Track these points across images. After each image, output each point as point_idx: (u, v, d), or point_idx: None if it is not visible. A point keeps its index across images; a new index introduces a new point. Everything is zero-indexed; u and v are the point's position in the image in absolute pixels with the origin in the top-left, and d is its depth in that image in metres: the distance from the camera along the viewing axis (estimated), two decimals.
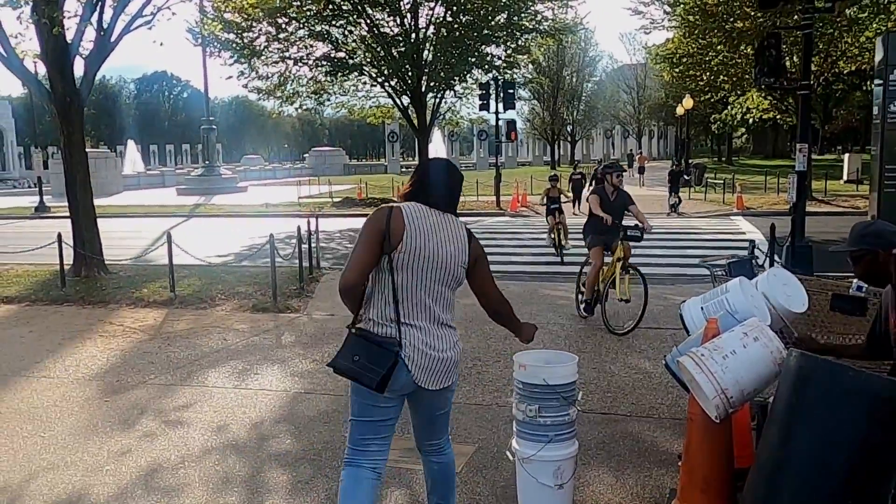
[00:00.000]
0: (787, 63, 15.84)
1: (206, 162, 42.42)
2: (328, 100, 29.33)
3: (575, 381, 4.01)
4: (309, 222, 12.64)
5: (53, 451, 5.13)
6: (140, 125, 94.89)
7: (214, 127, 40.60)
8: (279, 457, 4.93)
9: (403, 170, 62.63)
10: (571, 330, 8.32)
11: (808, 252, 9.73)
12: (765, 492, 3.05)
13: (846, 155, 36.33)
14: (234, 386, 6.52)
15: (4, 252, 13.92)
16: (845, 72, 27.15)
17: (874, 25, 23.58)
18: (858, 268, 3.63)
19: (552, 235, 14.25)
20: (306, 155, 74.48)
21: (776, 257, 9.69)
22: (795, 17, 12.85)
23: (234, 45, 25.70)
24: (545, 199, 14.84)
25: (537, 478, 3.96)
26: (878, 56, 8.87)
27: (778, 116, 33.28)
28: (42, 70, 13.86)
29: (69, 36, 11.95)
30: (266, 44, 26.16)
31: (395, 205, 3.26)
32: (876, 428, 2.88)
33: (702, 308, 4.07)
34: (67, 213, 12.84)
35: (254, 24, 24.50)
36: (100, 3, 11.98)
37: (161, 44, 15.75)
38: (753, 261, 5.97)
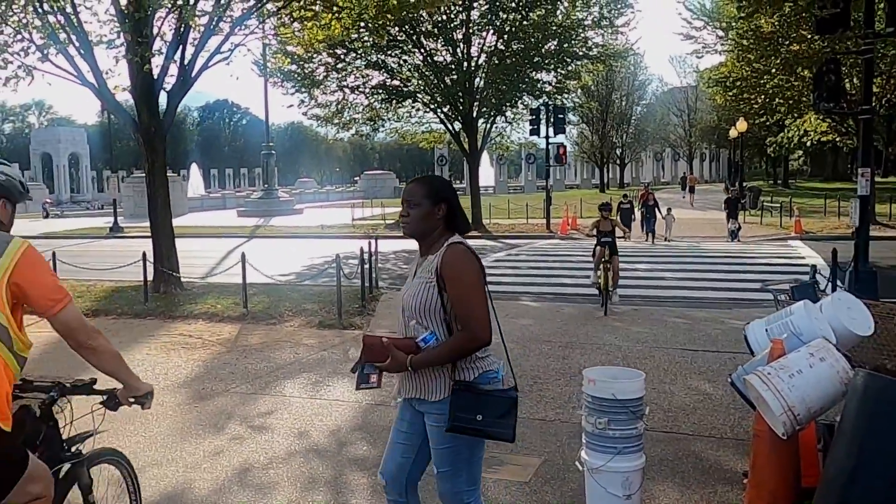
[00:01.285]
0: (847, 85, 15.73)
1: (265, 185, 43.66)
2: (382, 126, 30.12)
3: (642, 396, 4.19)
4: (370, 243, 13.00)
5: (156, 449, 5.60)
6: (202, 150, 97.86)
7: (274, 152, 41.76)
8: (358, 461, 5.24)
9: None
10: (629, 351, 8.45)
11: (872, 277, 9.67)
12: (829, 501, 3.19)
13: None
14: (309, 396, 6.90)
15: (90, 268, 14.67)
16: None
17: None
18: None
19: (598, 274, 11.39)
20: (357, 178, 75.66)
21: (839, 282, 9.66)
22: (855, 40, 12.81)
23: (295, 76, 26.75)
24: (594, 231, 11.83)
25: (606, 488, 4.14)
26: None
27: (837, 139, 32.75)
28: (125, 100, 14.77)
29: (155, 72, 12.81)
30: (325, 73, 27.11)
31: (462, 241, 3.10)
32: None
33: (766, 330, 4.22)
34: (140, 233, 13.64)
35: (313, 55, 25.38)
36: (182, 43, 12.77)
37: (237, 78, 16.79)
38: (815, 285, 6.06)
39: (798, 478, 3.88)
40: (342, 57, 26.45)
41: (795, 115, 30.69)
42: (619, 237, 11.83)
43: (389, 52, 26.73)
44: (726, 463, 5.11)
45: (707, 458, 5.23)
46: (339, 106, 28.79)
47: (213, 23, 12.58)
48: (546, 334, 9.39)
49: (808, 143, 36.62)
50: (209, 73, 27.33)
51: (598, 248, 11.42)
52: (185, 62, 12.91)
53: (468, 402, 2.96)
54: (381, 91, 27.89)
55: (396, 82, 27.59)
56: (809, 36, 23.44)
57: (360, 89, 28.25)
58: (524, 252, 20.94)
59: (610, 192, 47.30)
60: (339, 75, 27.42)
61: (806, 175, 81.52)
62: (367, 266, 12.00)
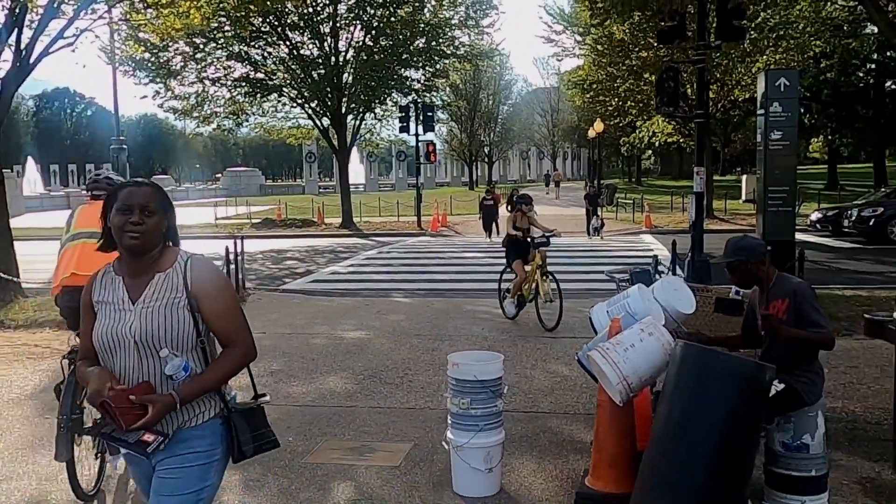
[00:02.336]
0: (689, 91, 17.05)
1: None
2: (246, 120, 29.42)
3: (501, 376, 4.60)
4: (235, 243, 12.80)
5: (4, 463, 5.34)
6: (39, 143, 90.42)
7: (125, 147, 39.52)
8: None
9: (322, 190, 62.67)
10: (494, 340, 8.91)
11: (706, 266, 10.64)
12: (657, 456, 3.69)
13: (744, 176, 38.64)
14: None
15: None
16: (740, 99, 29.04)
17: (764, 58, 25.46)
18: (734, 276, 4.41)
19: (526, 290, 9.66)
20: (220, 175, 73.56)
21: (679, 271, 10.57)
22: (690, 51, 13.95)
23: (149, 65, 25.40)
24: (514, 229, 9.79)
25: (470, 463, 4.52)
26: (761, 89, 9.90)
27: (681, 140, 35.23)
28: None
29: None
30: (183, 63, 26.02)
31: (196, 253, 2.72)
32: (742, 400, 3.57)
33: (607, 311, 4.72)
34: None
35: (170, 43, 24.10)
36: (18, 25, 11.87)
37: (84, 66, 15.80)
38: (655, 272, 6.71)
39: (634, 442, 4.38)
40: (201, 47, 25.41)
41: (645, 117, 32.76)
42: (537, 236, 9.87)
43: (253, 44, 26.06)
44: (578, 435, 5.62)
45: (562, 433, 5.72)
46: (199, 98, 27.64)
47: (54, 4, 11.75)
48: (416, 328, 9.73)
49: (657, 144, 39.20)
50: (49, 59, 25.41)
51: (517, 260, 9.72)
52: (22, 47, 11.95)
53: (251, 421, 2.76)
54: (244, 84, 27.14)
55: (261, 75, 26.98)
56: (655, 44, 25.14)
57: (222, 81, 27.33)
58: (395, 250, 21.26)
59: (479, 190, 48.45)
60: (199, 66, 26.37)
61: (657, 173, 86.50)
62: (232, 266, 11.91)
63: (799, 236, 21.42)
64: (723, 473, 3.56)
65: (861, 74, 38.43)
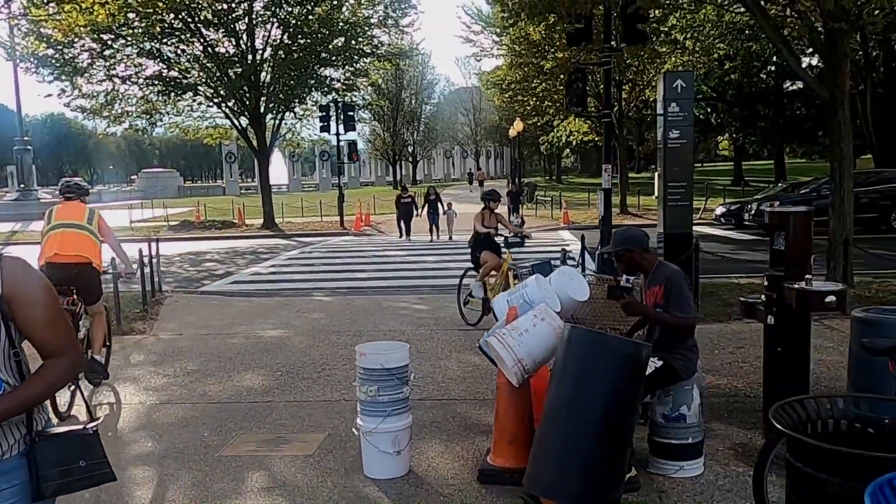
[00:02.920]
0: (601, 91, 17.75)
1: (22, 185, 39.04)
2: (161, 120, 28.74)
3: (407, 364, 4.87)
4: (150, 245, 12.66)
5: None
6: None
7: (30, 147, 37.89)
8: (144, 456, 5.40)
9: (243, 191, 61.78)
10: (412, 335, 9.16)
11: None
12: (549, 429, 4.03)
13: (656, 173, 40.02)
14: (92, 402, 6.81)
15: None
16: (651, 99, 30.13)
17: (672, 59, 26.51)
18: (622, 264, 4.82)
19: (491, 283, 9.56)
20: (135, 176, 71.62)
21: (590, 263, 11.07)
22: (597, 54, 14.51)
23: (53, 62, 24.30)
24: (483, 227, 9.78)
25: (378, 447, 4.78)
26: (660, 91, 10.45)
27: (597, 139, 36.22)
28: None
29: None
30: (90, 60, 25.01)
31: (10, 253, 2.32)
32: (623, 376, 3.94)
33: (507, 300, 5.05)
34: None
35: (75, 40, 22.97)
36: None
37: None
38: (563, 264, 7.10)
39: (531, 420, 4.71)
40: (109, 43, 24.46)
41: (562, 116, 33.60)
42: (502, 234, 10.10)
43: (165, 41, 25.33)
44: (485, 419, 5.93)
45: (470, 417, 6.03)
46: (109, 97, 26.68)
47: None
48: (336, 325, 9.91)
49: (574, 143, 40.21)
50: None
51: (489, 253, 9.68)
52: None
53: (61, 451, 2.30)
54: (156, 82, 26.40)
55: (174, 73, 26.31)
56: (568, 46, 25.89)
57: (133, 79, 26.44)
58: (318, 250, 21.32)
59: (413, 189, 48.67)
60: (107, 63, 25.39)
61: (576, 171, 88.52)
62: (147, 269, 11.80)
63: (705, 230, 22.62)
64: (607, 442, 3.92)
65: (763, 76, 40.30)
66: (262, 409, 6.36)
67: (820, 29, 12.43)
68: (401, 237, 23.12)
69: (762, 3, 14.38)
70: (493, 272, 9.66)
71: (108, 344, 7.48)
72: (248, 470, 5.00)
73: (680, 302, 4.58)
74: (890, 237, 18.97)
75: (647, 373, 4.17)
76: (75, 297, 6.46)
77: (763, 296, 5.38)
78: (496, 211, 10.03)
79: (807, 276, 4.96)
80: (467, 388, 6.83)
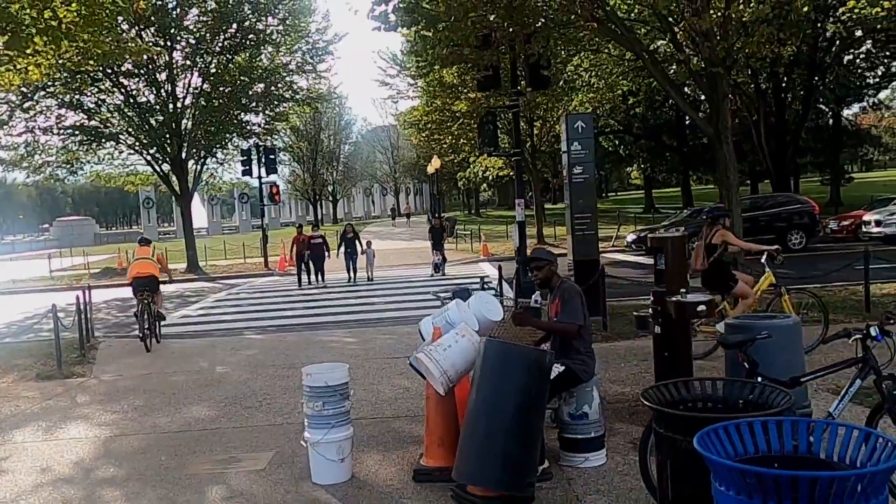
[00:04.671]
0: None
1: None
2: (81, 168, 28.68)
3: (347, 381, 5.57)
4: (84, 293, 12.92)
5: None
6: None
7: None
8: (109, 479, 5.92)
9: (161, 236, 60.90)
10: (347, 363, 9.77)
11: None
12: (471, 428, 4.80)
13: None
14: (43, 439, 7.22)
15: None
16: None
17: (579, 96, 28.16)
18: (540, 273, 5.69)
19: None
20: (47, 225, 69.62)
21: (508, 290, 11.98)
22: (505, 98, 15.58)
23: None
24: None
25: (325, 455, 5.44)
26: (563, 131, 11.53)
27: (512, 173, 37.70)
28: None
29: None
30: (9, 112, 25.01)
31: None
32: (531, 380, 4.75)
33: (432, 322, 5.82)
34: None
35: None
36: None
37: None
38: (469, 290, 7.93)
39: (457, 424, 5.46)
40: (29, 95, 24.54)
41: (477, 154, 34.94)
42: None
43: (86, 92, 25.54)
44: (416, 432, 6.63)
45: (403, 430, 6.75)
46: (30, 148, 26.66)
47: None
48: (271, 360, 10.46)
49: (490, 178, 41.67)
50: None
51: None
52: None
53: None
54: (77, 132, 26.51)
55: (95, 123, 26.50)
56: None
57: (54, 130, 26.47)
58: (244, 291, 21.64)
59: (324, 228, 49.02)
60: (28, 115, 25.45)
61: (495, 204, 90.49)
62: (83, 315, 12.10)
63: (617, 256, 24.01)
64: (520, 437, 4.72)
65: (665, 109, 42.69)
66: (212, 435, 6.91)
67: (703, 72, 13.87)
68: (300, 286, 20.65)
69: (650, 49, 15.85)
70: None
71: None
72: (208, 485, 5.58)
73: (567, 309, 5.45)
74: (787, 256, 20.56)
75: (551, 377, 5.01)
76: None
77: (651, 309, 6.31)
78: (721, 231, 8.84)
79: (682, 290, 5.91)
80: (399, 408, 7.54)
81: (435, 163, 36.43)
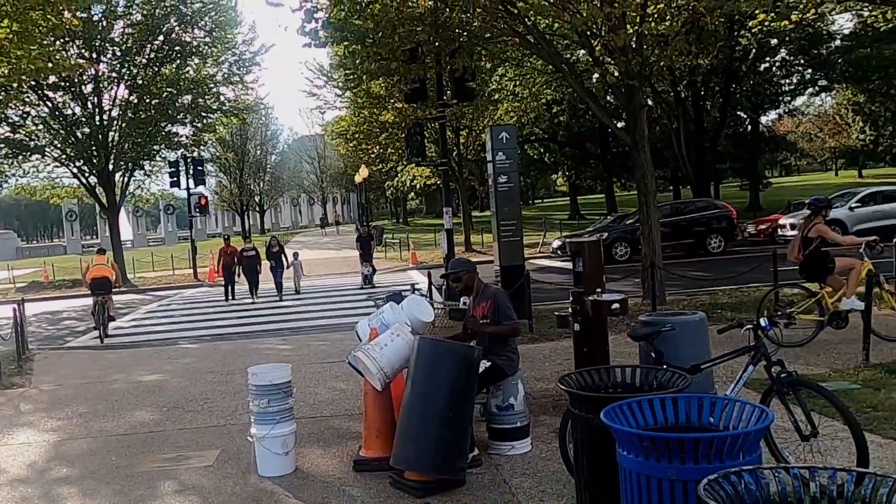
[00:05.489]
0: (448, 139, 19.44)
1: None
2: (6, 182, 28.03)
3: (290, 380, 5.99)
4: (19, 306, 12.82)
5: None
6: None
7: None
8: (63, 479, 6.20)
9: (85, 249, 59.29)
10: None
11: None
12: (406, 418, 5.29)
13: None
14: None
15: None
16: None
17: (504, 106, 29.01)
18: (460, 283, 6.18)
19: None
20: None
21: (437, 295, 12.47)
22: (432, 109, 16.12)
23: None
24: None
25: (270, 449, 5.85)
26: (488, 142, 12.12)
27: (440, 182, 38.41)
28: None
29: None
30: None
31: None
32: (461, 373, 5.28)
33: (368, 324, 6.28)
34: None
35: None
36: None
37: None
38: (402, 293, 8.42)
39: (393, 417, 5.94)
40: None
41: (405, 162, 35.44)
42: None
43: (10, 105, 25.07)
44: (355, 428, 7.07)
45: (342, 428, 7.18)
46: None
47: None
48: (209, 367, 10.73)
49: (418, 186, 42.26)
50: None
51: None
52: None
53: None
54: (2, 145, 25.87)
55: (20, 136, 26.01)
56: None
57: None
58: (175, 302, 21.60)
59: (256, 239, 48.68)
60: None
61: (423, 213, 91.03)
62: (20, 328, 12.11)
63: (544, 262, 24.80)
64: (452, 425, 5.24)
65: (588, 117, 44.05)
66: (158, 437, 7.21)
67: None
68: (227, 300, 19.82)
69: (570, 61, 16.65)
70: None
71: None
72: (160, 480, 5.92)
73: (506, 313, 5.99)
74: (707, 259, 21.68)
75: (479, 371, 5.54)
76: None
77: (570, 308, 6.91)
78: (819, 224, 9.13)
79: (597, 290, 6.53)
80: (337, 407, 7.97)
81: (363, 172, 36.78)
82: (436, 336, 6.27)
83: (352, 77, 23.64)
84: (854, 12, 26.40)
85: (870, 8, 17.57)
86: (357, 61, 19.82)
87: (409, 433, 5.31)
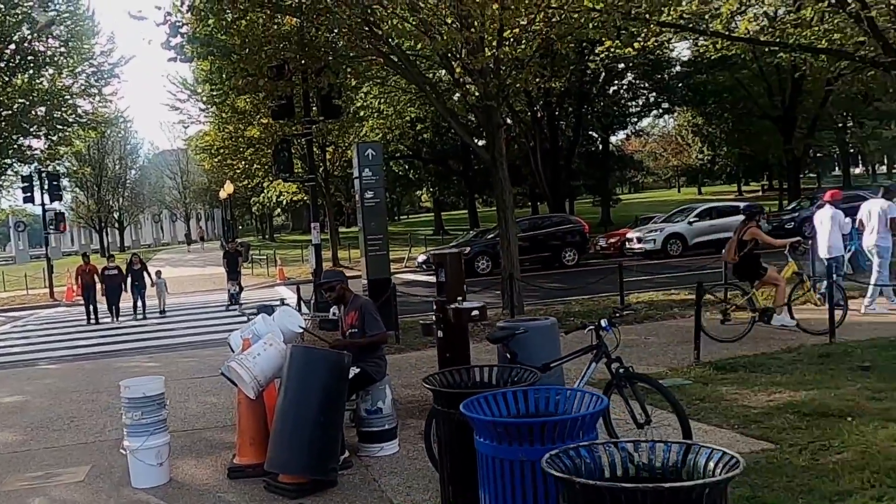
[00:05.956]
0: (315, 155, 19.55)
1: None
2: None
3: (163, 392, 6.15)
4: None
5: None
6: None
7: None
8: None
9: None
10: None
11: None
12: (280, 422, 5.61)
13: None
14: None
15: None
16: None
17: (370, 122, 29.48)
18: (333, 293, 6.53)
19: None
20: None
21: (305, 309, 12.73)
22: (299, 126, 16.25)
23: None
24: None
25: (144, 461, 5.98)
26: (355, 159, 12.52)
27: (307, 198, 38.28)
28: None
29: None
30: None
31: None
32: (332, 378, 5.65)
33: (241, 336, 6.53)
34: None
35: None
36: None
37: None
38: (271, 307, 8.69)
39: (267, 425, 6.21)
40: None
41: (271, 178, 35.09)
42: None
43: None
44: (228, 440, 7.24)
45: (215, 439, 7.36)
46: None
47: None
48: (73, 386, 10.50)
49: (285, 202, 41.96)
50: None
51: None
52: None
53: None
54: None
55: None
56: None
57: None
58: (31, 322, 20.66)
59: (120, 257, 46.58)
60: None
61: (289, 229, 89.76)
62: None
63: (409, 276, 25.37)
64: (324, 427, 5.59)
65: (451, 135, 45.24)
66: (23, 456, 7.12)
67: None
68: (90, 322, 18.73)
69: (433, 81, 17.33)
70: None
71: None
72: (28, 498, 5.92)
73: (373, 324, 6.40)
74: (562, 272, 22.92)
75: (349, 377, 5.92)
76: None
77: (434, 316, 7.42)
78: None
79: (458, 298, 7.08)
80: (208, 420, 8.11)
81: (228, 188, 36.15)
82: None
83: (218, 92, 23.36)
84: (691, 41, 28.76)
85: (703, 38, 19.33)
86: (224, 77, 19.68)
87: (284, 438, 5.62)
